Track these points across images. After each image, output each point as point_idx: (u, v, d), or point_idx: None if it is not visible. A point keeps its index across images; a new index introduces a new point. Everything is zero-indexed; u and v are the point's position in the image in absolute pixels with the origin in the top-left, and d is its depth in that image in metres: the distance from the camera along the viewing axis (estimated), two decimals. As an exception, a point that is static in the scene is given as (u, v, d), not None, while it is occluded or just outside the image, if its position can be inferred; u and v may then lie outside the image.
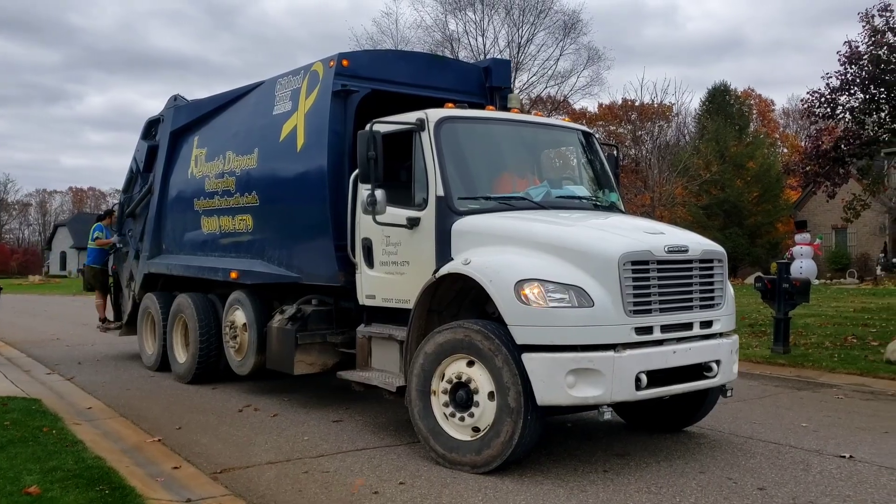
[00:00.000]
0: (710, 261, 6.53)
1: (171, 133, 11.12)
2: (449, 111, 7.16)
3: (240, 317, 9.40)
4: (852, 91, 18.71)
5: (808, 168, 20.30)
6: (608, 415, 5.88)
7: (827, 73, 18.35)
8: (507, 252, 6.19)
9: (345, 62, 8.02)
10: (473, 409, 6.06)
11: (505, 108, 8.35)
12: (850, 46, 18.35)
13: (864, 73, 18.05)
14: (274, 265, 8.89)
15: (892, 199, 29.22)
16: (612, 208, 7.67)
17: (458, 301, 6.88)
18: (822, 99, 18.84)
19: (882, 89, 18.22)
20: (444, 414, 6.26)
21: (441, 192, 6.73)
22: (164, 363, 11.16)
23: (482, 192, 7.02)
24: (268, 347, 8.79)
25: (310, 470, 6.22)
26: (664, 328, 6.11)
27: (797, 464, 6.31)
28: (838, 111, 19.23)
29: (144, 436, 7.41)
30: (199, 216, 10.32)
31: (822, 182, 19.96)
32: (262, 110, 9.10)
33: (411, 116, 7.15)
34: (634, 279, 5.92)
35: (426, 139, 6.92)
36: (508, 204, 6.96)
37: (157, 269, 11.39)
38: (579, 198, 7.45)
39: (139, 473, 5.94)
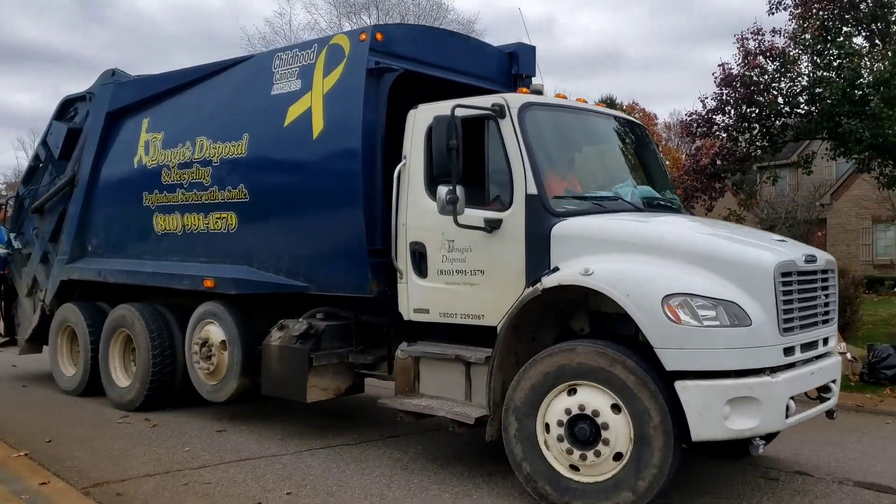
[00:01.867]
0: (831, 272, 5.99)
1: (109, 114, 9.36)
2: (529, 96, 6.21)
3: (216, 333, 7.94)
4: (727, 111, 19.52)
5: (687, 182, 20.98)
6: (762, 448, 5.14)
7: (704, 95, 19.01)
8: (632, 261, 5.32)
9: (379, 35, 6.86)
10: (600, 447, 5.16)
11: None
12: (724, 69, 19.00)
13: (736, 94, 18.83)
14: (267, 272, 7.54)
15: (764, 212, 30.83)
16: (682, 211, 6.98)
17: (540, 317, 5.94)
18: (700, 119, 19.49)
19: (754, 108, 19.11)
20: (560, 450, 5.31)
21: (533, 190, 5.76)
22: (91, 387, 9.40)
23: (571, 189, 6.12)
24: (264, 369, 7.42)
25: (190, 482, 6.08)
26: (803, 347, 5.48)
27: None
28: (714, 129, 19.97)
29: (9, 451, 6.87)
30: (151, 213, 8.70)
31: (700, 196, 20.64)
32: (253, 90, 7.71)
33: (484, 101, 6.14)
34: (784, 293, 5.23)
35: (507, 128, 5.93)
36: (600, 205, 6.11)
37: (81, 274, 9.58)
38: (658, 199, 6.70)
39: (1, 492, 5.59)
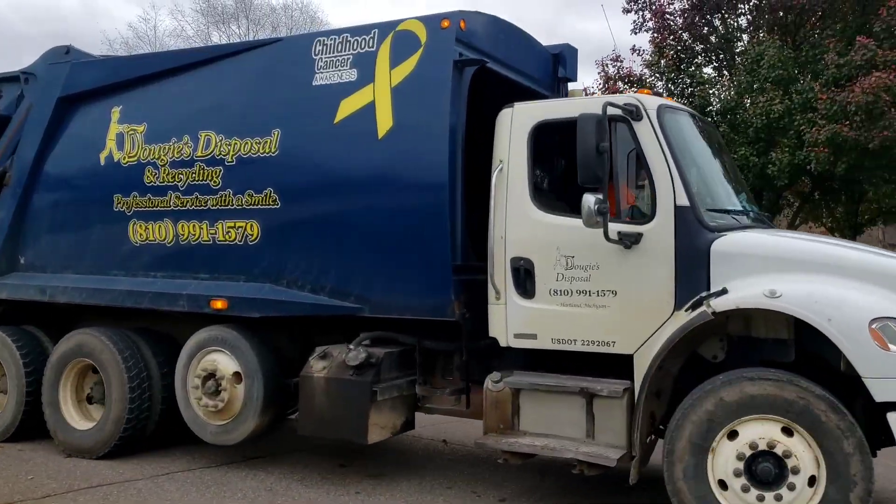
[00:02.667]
0: None
1: (62, 99, 7.75)
2: (659, 98, 5.66)
3: (226, 364, 6.71)
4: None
5: None
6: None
7: None
8: (818, 282, 4.90)
9: (462, 24, 6.05)
10: (782, 492, 4.68)
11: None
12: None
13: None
14: (302, 291, 6.47)
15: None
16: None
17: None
18: None
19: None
20: (735, 490, 4.78)
21: (684, 202, 5.23)
22: (23, 430, 7.74)
23: (713, 200, 5.64)
24: (305, 406, 6.33)
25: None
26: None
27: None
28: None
29: None
30: (126, 219, 7.25)
31: None
32: (285, 79, 6.61)
33: (598, 100, 5.57)
34: None
35: (645, 131, 5.36)
36: (735, 219, 5.68)
37: (11, 293, 7.88)
38: (757, 212, 6.37)
39: None
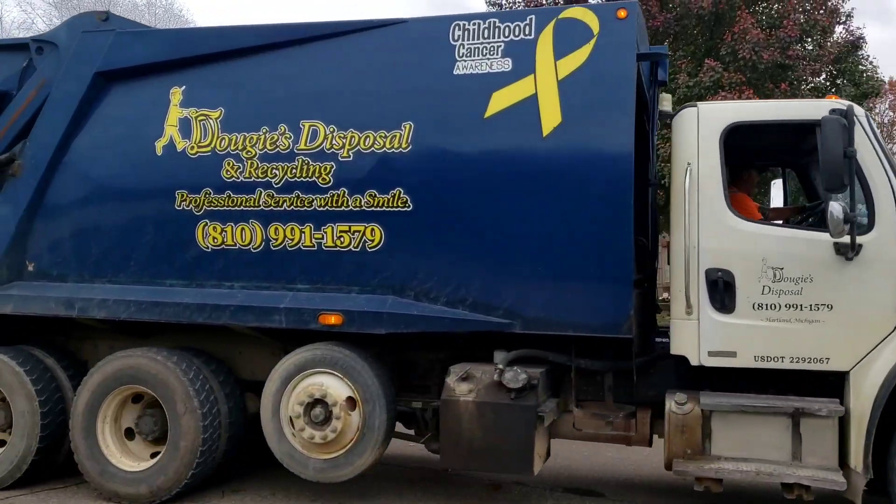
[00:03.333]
0: None
1: (100, 74, 6.45)
2: (852, 104, 5.46)
3: (337, 388, 5.83)
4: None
5: None
6: None
7: None
8: None
9: (624, 13, 5.58)
10: None
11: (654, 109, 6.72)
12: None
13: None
14: (435, 304, 5.73)
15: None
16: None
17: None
18: None
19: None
20: None
21: None
22: (35, 472, 6.41)
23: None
24: (450, 435, 5.61)
25: None
26: None
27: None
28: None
29: None
30: (193, 220, 6.16)
31: None
32: (417, 66, 5.84)
33: (815, 103, 5.33)
34: None
35: (860, 138, 5.14)
36: None
37: (21, 307, 6.48)
38: None
39: None
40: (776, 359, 5.21)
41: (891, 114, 34.87)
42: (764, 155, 6.32)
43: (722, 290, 5.28)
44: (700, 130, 5.42)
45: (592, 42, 5.50)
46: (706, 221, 5.33)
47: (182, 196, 6.19)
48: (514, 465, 5.54)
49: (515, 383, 5.46)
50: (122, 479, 6.15)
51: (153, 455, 6.34)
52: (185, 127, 6.23)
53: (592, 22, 5.54)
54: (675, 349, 5.42)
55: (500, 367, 5.61)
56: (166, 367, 6.12)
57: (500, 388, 5.55)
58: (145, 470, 6.15)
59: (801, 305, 5.17)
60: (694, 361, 5.35)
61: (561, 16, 5.63)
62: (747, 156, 5.94)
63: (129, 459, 6.29)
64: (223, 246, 6.14)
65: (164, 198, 6.25)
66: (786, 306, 5.18)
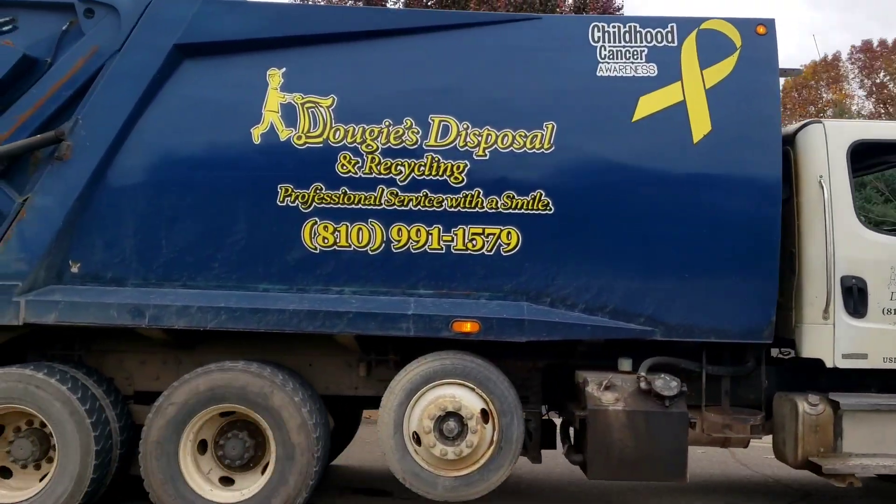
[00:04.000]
0: None
1: (178, 47, 5.56)
2: None
3: (470, 400, 5.51)
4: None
5: None
6: None
7: None
8: None
9: (763, 30, 5.79)
10: None
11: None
12: None
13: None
14: (573, 311, 5.59)
15: None
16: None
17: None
18: None
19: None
20: None
21: None
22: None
23: None
24: (598, 446, 5.48)
25: None
26: None
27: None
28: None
29: None
30: (299, 218, 5.53)
31: None
32: (558, 65, 5.63)
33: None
34: None
35: None
36: None
37: (74, 315, 5.48)
38: None
39: None
40: (908, 360, 5.63)
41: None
42: (872, 166, 6.74)
43: (856, 297, 5.61)
44: (828, 146, 5.72)
45: (736, 55, 5.63)
46: (840, 232, 5.63)
47: (286, 191, 5.54)
48: (667, 473, 5.52)
49: (669, 391, 5.45)
50: (210, 512, 5.38)
51: (223, 480, 5.62)
52: (289, 114, 5.57)
53: (734, 35, 5.67)
54: (809, 353, 5.68)
55: (643, 374, 5.58)
56: (272, 383, 5.44)
57: (646, 395, 5.51)
58: (242, 501, 5.42)
59: (928, 310, 5.62)
60: (829, 364, 5.63)
61: (702, 26, 5.70)
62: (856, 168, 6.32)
63: (220, 490, 5.51)
64: (335, 247, 5.56)
65: (262, 192, 5.55)
66: (917, 311, 5.61)
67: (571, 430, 6.06)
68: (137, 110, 5.54)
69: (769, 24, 5.74)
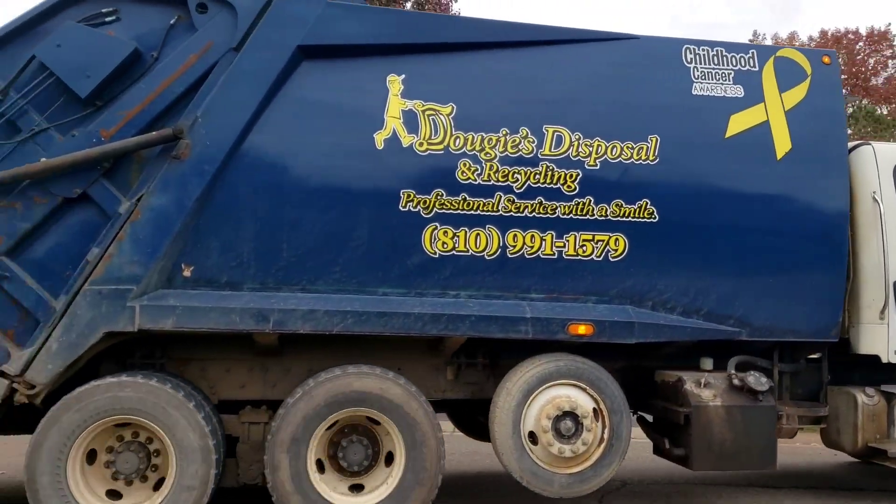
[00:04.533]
0: None
1: (300, 48, 5.47)
2: None
3: (584, 399, 5.78)
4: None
5: None
6: None
7: None
8: None
9: (828, 60, 6.44)
10: None
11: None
12: None
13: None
14: (671, 314, 5.99)
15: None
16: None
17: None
18: None
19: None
20: None
21: None
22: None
23: None
24: (702, 439, 5.87)
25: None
26: None
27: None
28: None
29: None
30: (420, 223, 5.59)
31: None
32: (659, 82, 6.01)
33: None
34: None
35: None
36: None
37: (192, 321, 5.28)
38: None
39: None
40: (945, 355, 6.39)
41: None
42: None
43: (905, 300, 6.32)
44: (878, 165, 6.42)
45: (808, 81, 6.23)
46: (892, 241, 6.33)
47: (408, 196, 5.59)
48: (761, 462, 5.97)
49: (761, 386, 5.93)
50: (340, 522, 5.33)
51: (352, 488, 5.58)
52: (410, 120, 5.63)
53: (805, 63, 6.27)
54: (867, 350, 6.33)
55: (732, 372, 6.04)
56: (401, 387, 5.47)
57: (738, 391, 5.97)
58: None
59: (958, 311, 6.41)
60: (885, 359, 6.29)
61: (778, 54, 6.26)
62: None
63: (346, 496, 5.46)
64: (453, 252, 5.67)
65: (385, 197, 5.58)
66: (948, 312, 6.39)
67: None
68: (259, 110, 5.42)
69: (832, 54, 6.39)
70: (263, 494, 5.48)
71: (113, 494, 5.32)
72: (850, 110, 20.64)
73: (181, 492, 5.17)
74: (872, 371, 6.47)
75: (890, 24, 30.44)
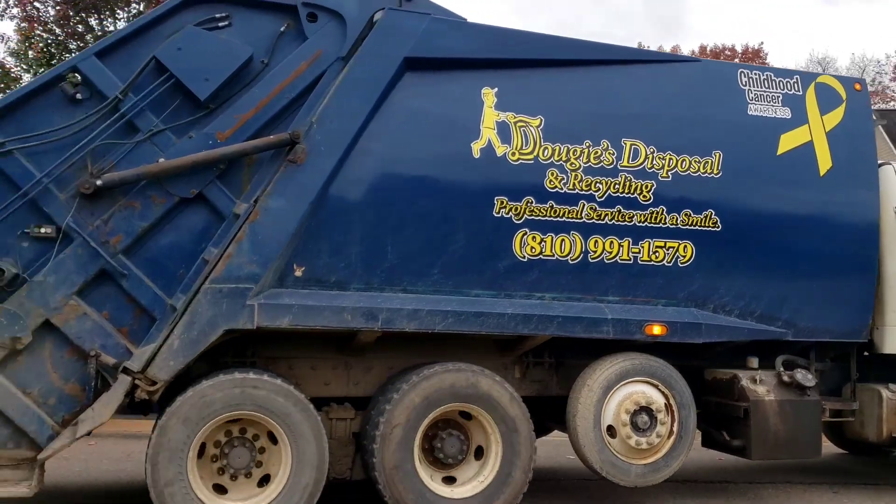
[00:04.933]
0: None
1: (410, 61, 5.72)
2: None
3: (656, 395, 6.24)
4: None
5: None
6: None
7: None
8: None
9: (859, 87, 7.11)
10: None
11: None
12: None
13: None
14: (729, 316, 6.52)
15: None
16: None
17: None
18: None
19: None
20: None
21: None
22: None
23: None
24: (759, 431, 6.40)
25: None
26: None
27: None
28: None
29: None
30: (511, 228, 5.93)
31: None
32: (719, 102, 6.53)
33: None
34: None
35: None
36: None
37: (308, 319, 5.47)
38: None
39: None
40: (948, 352, 7.13)
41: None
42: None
43: (917, 304, 7.04)
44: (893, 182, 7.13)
45: (843, 105, 6.87)
46: (905, 253, 7.04)
47: (501, 203, 5.92)
48: (808, 451, 6.55)
49: (808, 382, 6.52)
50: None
51: (444, 480, 5.87)
52: (503, 131, 5.96)
53: (840, 89, 6.92)
54: (891, 349, 6.99)
55: (781, 370, 6.61)
56: (497, 384, 5.80)
57: (787, 387, 6.54)
58: (473, 497, 5.71)
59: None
60: None
61: (818, 80, 6.89)
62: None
63: (445, 486, 5.75)
64: (540, 256, 6.03)
65: (481, 203, 5.90)
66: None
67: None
68: (368, 119, 5.65)
69: (862, 82, 7.08)
70: (350, 489, 5.67)
71: (217, 489, 5.44)
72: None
73: (295, 489, 5.34)
74: (890, 369, 7.15)
75: (763, 42, 33.35)
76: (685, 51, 32.25)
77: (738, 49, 32.41)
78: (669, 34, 53.31)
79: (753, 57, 31.95)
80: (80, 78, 5.31)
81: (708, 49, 32.08)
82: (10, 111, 5.20)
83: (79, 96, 5.28)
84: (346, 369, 6.20)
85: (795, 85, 6.79)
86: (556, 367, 6.63)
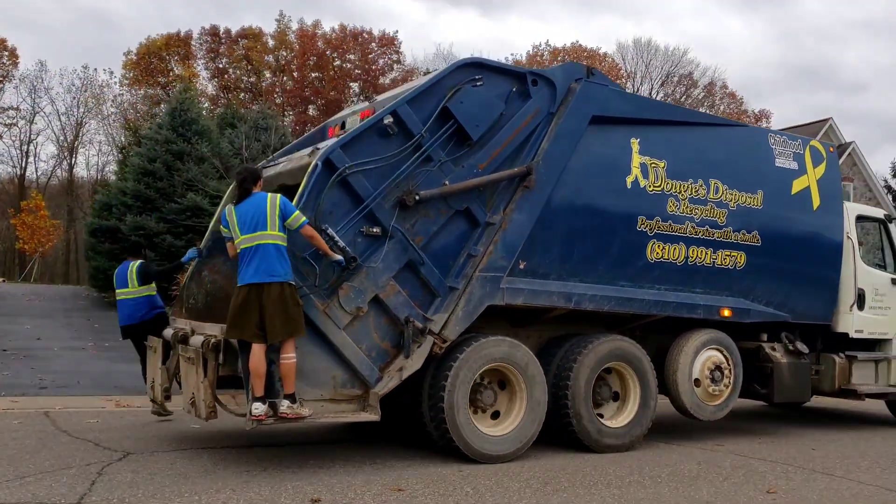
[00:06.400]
0: None
1: (596, 118, 8.01)
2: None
3: (721, 358, 9.08)
4: None
5: None
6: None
7: None
8: None
9: (833, 149, 10.34)
10: None
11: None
12: None
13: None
14: (760, 304, 9.48)
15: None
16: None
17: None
18: None
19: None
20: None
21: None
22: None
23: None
24: (779, 383, 9.44)
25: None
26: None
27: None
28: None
29: None
30: (646, 239, 8.45)
31: None
32: (760, 156, 9.41)
33: (880, 212, 10.92)
34: None
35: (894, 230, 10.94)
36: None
37: (534, 299, 7.73)
38: None
39: None
40: (873, 333, 10.54)
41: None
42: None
43: (861, 300, 10.37)
44: (849, 216, 10.43)
45: (825, 162, 10.05)
46: (857, 266, 10.35)
47: (641, 221, 8.43)
48: (805, 396, 9.68)
49: (805, 349, 9.63)
50: (612, 434, 8.08)
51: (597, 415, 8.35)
52: (644, 170, 8.47)
53: (823, 150, 10.09)
54: (841, 329, 10.26)
55: (786, 342, 9.68)
56: (637, 349, 8.35)
57: (791, 353, 9.62)
58: (625, 426, 8.21)
59: (882, 307, 10.61)
60: (851, 335, 10.28)
61: (811, 144, 10.00)
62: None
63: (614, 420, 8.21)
64: (661, 260, 8.61)
65: (629, 221, 8.36)
66: (878, 308, 10.57)
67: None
68: (568, 158, 7.94)
69: (835, 146, 10.29)
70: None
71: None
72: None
73: (534, 406, 7.58)
74: (838, 343, 10.44)
75: (398, 31, 44.57)
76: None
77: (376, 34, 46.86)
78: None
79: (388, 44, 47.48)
80: (392, 119, 7.13)
81: (348, 30, 44.99)
82: (355, 141, 6.96)
83: (389, 131, 7.11)
84: (514, 338, 8.43)
85: (799, 146, 9.85)
86: (643, 339, 9.23)
